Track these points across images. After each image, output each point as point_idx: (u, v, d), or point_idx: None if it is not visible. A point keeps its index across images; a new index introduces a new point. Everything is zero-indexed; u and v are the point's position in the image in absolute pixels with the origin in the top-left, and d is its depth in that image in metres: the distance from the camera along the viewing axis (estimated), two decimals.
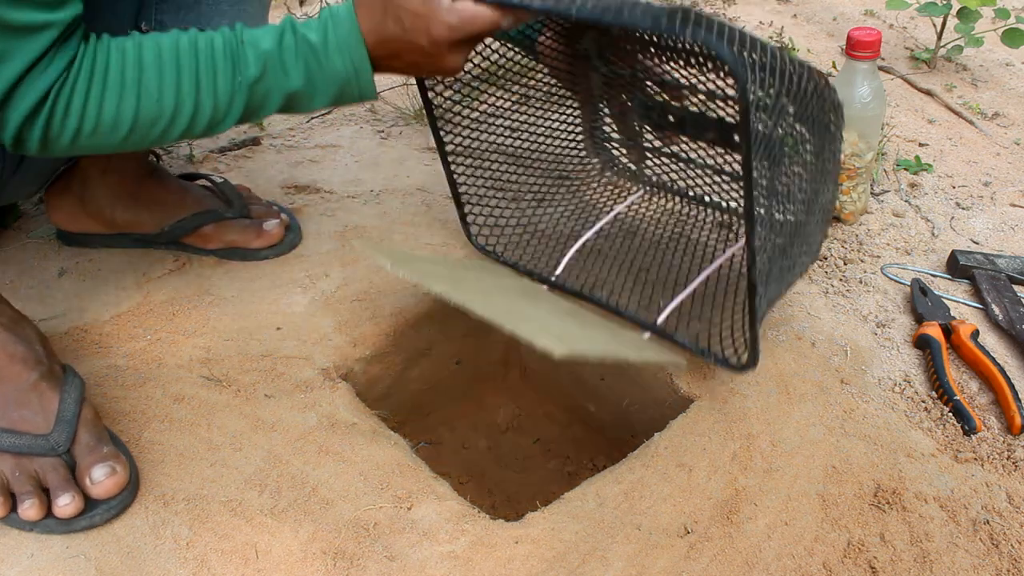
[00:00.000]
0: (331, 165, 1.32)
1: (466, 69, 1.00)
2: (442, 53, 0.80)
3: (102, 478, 0.77)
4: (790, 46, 1.68)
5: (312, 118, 1.46)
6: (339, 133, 1.42)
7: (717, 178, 1.05)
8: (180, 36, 0.78)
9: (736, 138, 0.73)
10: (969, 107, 1.51)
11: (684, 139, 1.02)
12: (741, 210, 0.82)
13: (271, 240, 1.09)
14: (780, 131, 0.77)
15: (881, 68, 1.60)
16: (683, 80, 0.95)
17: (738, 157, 0.81)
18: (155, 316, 1.00)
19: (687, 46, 0.83)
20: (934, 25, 1.64)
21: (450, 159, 1.05)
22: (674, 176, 1.11)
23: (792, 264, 0.91)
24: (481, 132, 1.06)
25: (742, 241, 0.80)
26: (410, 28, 0.79)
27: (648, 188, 1.14)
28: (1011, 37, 1.51)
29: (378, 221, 1.18)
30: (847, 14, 1.86)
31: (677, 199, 1.12)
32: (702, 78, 0.92)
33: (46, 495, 0.76)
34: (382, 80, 1.62)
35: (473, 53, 0.95)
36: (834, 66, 1.63)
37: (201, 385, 0.91)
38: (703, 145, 1.01)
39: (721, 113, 0.93)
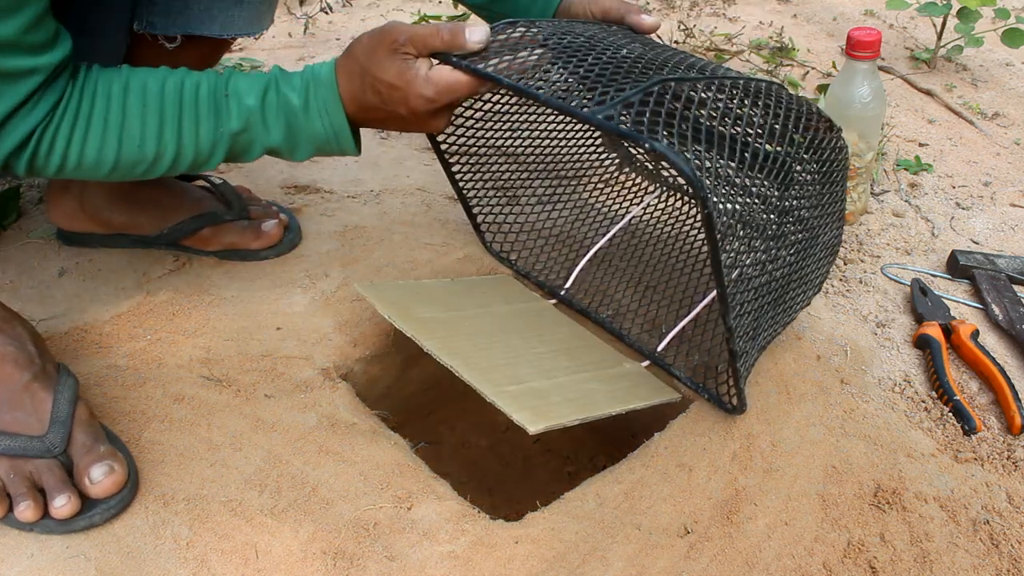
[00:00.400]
0: (331, 165, 1.32)
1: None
2: (423, 119, 0.82)
3: (100, 478, 0.76)
4: (790, 46, 1.68)
5: None
6: None
7: (728, 188, 1.06)
8: (167, 80, 0.79)
9: (746, 155, 0.74)
10: (969, 107, 1.51)
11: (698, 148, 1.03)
12: (750, 218, 0.83)
13: (270, 241, 1.09)
14: (796, 170, 0.78)
15: (881, 68, 1.60)
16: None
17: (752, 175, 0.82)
18: (155, 316, 1.00)
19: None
20: (934, 25, 1.64)
21: (455, 166, 1.04)
22: None
23: (788, 307, 0.91)
24: (489, 131, 1.06)
25: (751, 256, 0.80)
26: (388, 99, 0.80)
27: (664, 188, 1.14)
28: (1011, 37, 1.51)
29: (378, 221, 1.18)
30: (847, 14, 1.86)
31: (693, 203, 1.12)
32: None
33: (42, 496, 0.76)
34: None
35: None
36: (834, 66, 1.63)
37: (201, 385, 0.91)
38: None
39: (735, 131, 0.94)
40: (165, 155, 0.80)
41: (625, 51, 0.81)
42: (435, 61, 0.80)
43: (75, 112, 0.76)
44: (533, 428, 0.76)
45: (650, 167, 1.15)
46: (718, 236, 0.69)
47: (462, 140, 1.03)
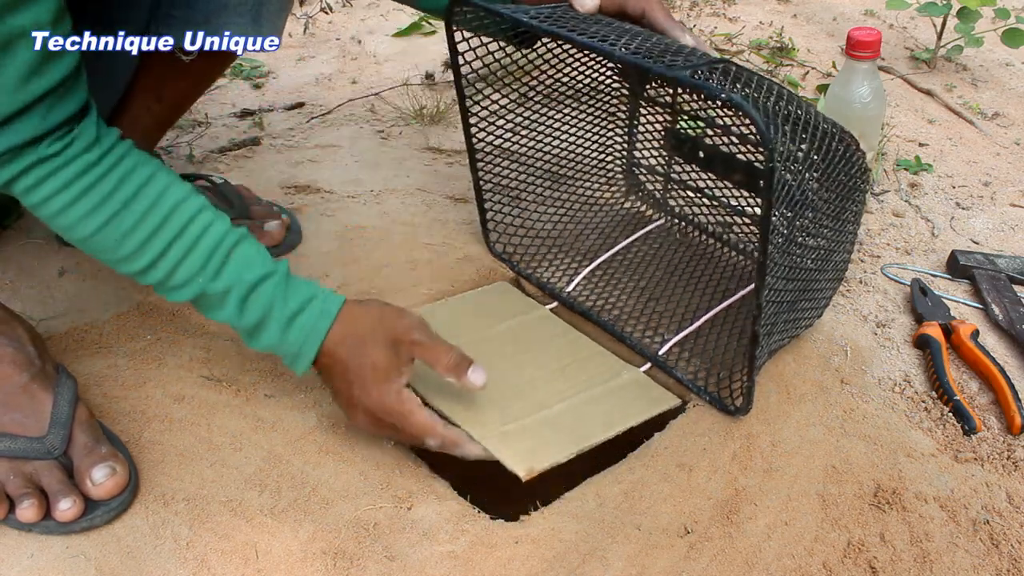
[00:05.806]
0: (331, 165, 1.32)
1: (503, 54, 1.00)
2: (359, 412, 0.81)
3: (103, 479, 0.76)
4: (790, 46, 1.68)
5: (312, 118, 1.46)
6: (339, 133, 1.42)
7: (738, 219, 1.06)
8: (186, 201, 0.76)
9: (761, 183, 0.74)
10: (969, 107, 1.51)
11: (711, 176, 1.03)
12: (756, 255, 0.84)
13: (271, 241, 1.09)
14: (805, 189, 0.78)
15: (881, 68, 1.60)
16: (718, 120, 0.96)
17: (760, 201, 0.82)
18: (155, 316, 1.00)
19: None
20: (934, 25, 1.64)
21: (479, 163, 1.05)
22: (697, 210, 1.11)
23: (798, 318, 0.91)
24: (514, 135, 1.06)
25: (753, 285, 0.81)
26: (356, 375, 0.79)
27: (670, 218, 1.15)
28: (1011, 37, 1.51)
29: (378, 221, 1.18)
30: (847, 14, 1.86)
31: (697, 233, 1.12)
32: (736, 121, 0.94)
33: (43, 496, 0.76)
34: (383, 80, 1.62)
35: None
36: (834, 66, 1.63)
37: (201, 385, 0.91)
38: (728, 185, 1.01)
39: (750, 157, 0.94)
40: (138, 262, 0.76)
41: (655, 39, 0.82)
42: (408, 390, 0.80)
43: (86, 167, 0.72)
44: (526, 476, 0.79)
45: (657, 196, 1.15)
46: (774, 196, 0.70)
47: (492, 139, 1.04)
